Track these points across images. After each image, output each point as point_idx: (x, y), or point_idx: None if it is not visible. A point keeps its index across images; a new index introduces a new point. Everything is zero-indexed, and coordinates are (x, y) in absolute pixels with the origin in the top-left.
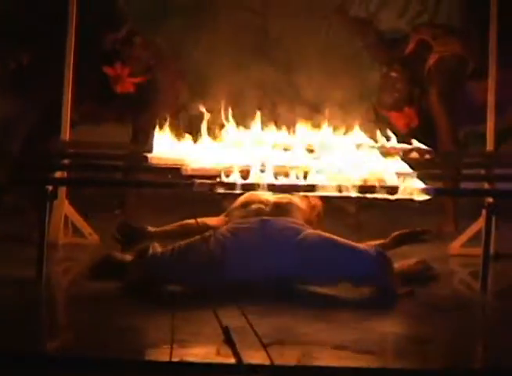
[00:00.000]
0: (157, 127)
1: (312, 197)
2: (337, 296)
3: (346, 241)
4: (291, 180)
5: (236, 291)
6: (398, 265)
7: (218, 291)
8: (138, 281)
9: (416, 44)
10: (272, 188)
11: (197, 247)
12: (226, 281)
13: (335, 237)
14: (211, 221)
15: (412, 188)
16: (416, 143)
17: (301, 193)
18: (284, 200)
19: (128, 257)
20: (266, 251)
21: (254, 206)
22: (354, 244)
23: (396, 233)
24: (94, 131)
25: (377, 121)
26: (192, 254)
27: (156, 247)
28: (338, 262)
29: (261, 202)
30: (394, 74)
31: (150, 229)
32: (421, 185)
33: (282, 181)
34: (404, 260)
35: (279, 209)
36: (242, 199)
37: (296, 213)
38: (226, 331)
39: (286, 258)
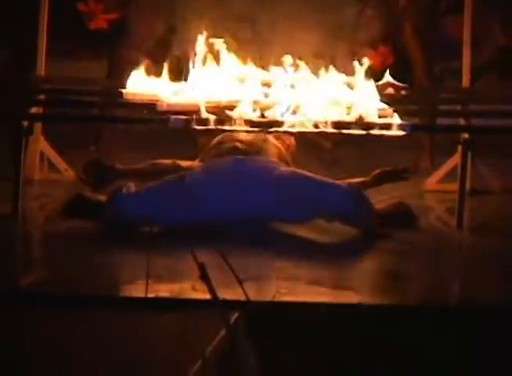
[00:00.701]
0: (133, 63)
1: (286, 136)
2: (314, 238)
3: (320, 177)
4: (270, 116)
5: (211, 229)
6: (377, 206)
7: (192, 230)
8: (113, 220)
9: None
10: (250, 124)
11: (172, 185)
12: (200, 220)
13: (309, 174)
14: (185, 163)
15: (388, 123)
16: (389, 79)
17: (279, 130)
18: (259, 139)
19: (101, 196)
20: (240, 190)
21: (228, 145)
22: (327, 179)
23: (377, 171)
24: (69, 66)
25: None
26: (167, 193)
27: (131, 187)
28: (312, 198)
29: (236, 141)
30: (369, 12)
31: (120, 167)
32: (397, 120)
33: (259, 117)
34: (383, 201)
35: (255, 147)
36: (217, 139)
37: (271, 151)
38: (202, 268)
39: (260, 196)
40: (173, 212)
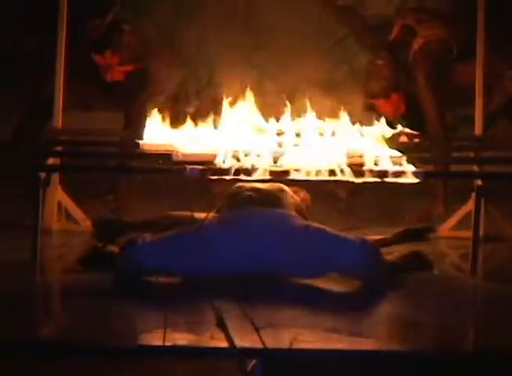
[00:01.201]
0: (149, 114)
1: (301, 190)
2: (329, 287)
3: (334, 232)
4: (285, 164)
5: (226, 280)
6: (391, 256)
7: (207, 279)
8: (127, 270)
9: (401, 29)
10: (267, 174)
11: (187, 236)
12: (214, 271)
13: (323, 228)
14: (199, 215)
15: (402, 171)
16: (400, 128)
17: (292, 178)
18: (275, 188)
19: (116, 248)
20: (254, 243)
21: (244, 194)
22: (341, 234)
23: (400, 229)
24: (86, 117)
25: (365, 108)
26: (182, 243)
27: (146, 237)
28: (324, 253)
29: (251, 190)
30: (380, 62)
31: (130, 220)
32: (411, 168)
33: (274, 167)
34: (397, 251)
35: (270, 197)
36: (233, 188)
37: (287, 201)
38: (219, 316)
39: (274, 250)
40: (187, 263)
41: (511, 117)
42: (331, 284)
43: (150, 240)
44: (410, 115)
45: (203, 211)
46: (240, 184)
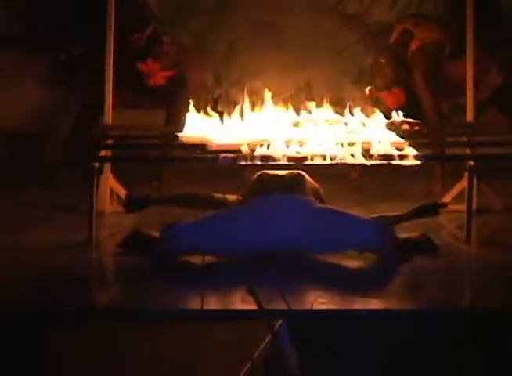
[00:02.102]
0: (187, 111)
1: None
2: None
3: (349, 213)
4: (304, 151)
5: (255, 258)
6: (402, 236)
7: (238, 258)
8: (165, 250)
9: (400, 32)
10: (289, 159)
11: (217, 219)
12: (243, 251)
13: (339, 210)
14: (220, 196)
15: (405, 155)
16: (402, 117)
17: (313, 163)
18: (295, 174)
19: (156, 233)
20: (278, 225)
21: (267, 181)
22: (356, 215)
23: (417, 205)
24: (132, 115)
25: (371, 101)
26: (214, 226)
27: (182, 221)
28: (342, 232)
29: (273, 177)
30: (382, 60)
31: (155, 195)
32: (413, 152)
33: (296, 153)
34: (408, 232)
35: (290, 183)
36: (255, 176)
37: (305, 186)
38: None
39: (296, 231)
40: (220, 244)
41: (498, 105)
42: (348, 260)
43: (186, 223)
44: (409, 106)
45: (232, 193)
46: (262, 171)
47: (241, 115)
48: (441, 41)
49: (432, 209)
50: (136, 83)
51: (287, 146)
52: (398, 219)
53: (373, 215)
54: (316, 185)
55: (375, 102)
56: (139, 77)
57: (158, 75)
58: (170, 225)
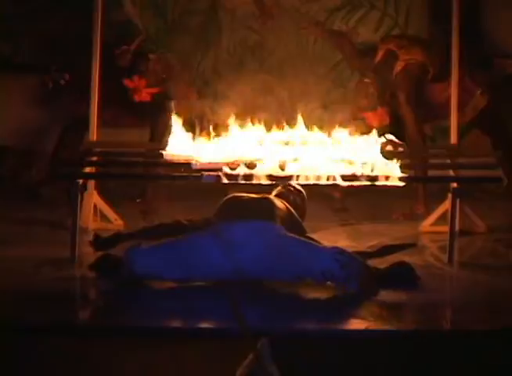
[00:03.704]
0: (171, 129)
1: (299, 193)
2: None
3: (311, 242)
4: (287, 171)
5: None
6: (380, 267)
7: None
8: (125, 275)
9: (385, 53)
10: (271, 178)
11: (177, 244)
12: (203, 276)
13: (301, 238)
14: (186, 222)
15: (390, 176)
16: (390, 137)
17: (295, 182)
18: (263, 198)
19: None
20: (239, 252)
21: (234, 203)
22: (317, 244)
23: (383, 244)
24: (117, 133)
25: (355, 120)
26: (172, 251)
27: (140, 245)
28: (304, 261)
29: (241, 200)
30: (367, 80)
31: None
32: (397, 173)
33: (279, 172)
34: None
35: (259, 206)
36: (224, 199)
37: (274, 211)
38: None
39: (256, 259)
40: (178, 269)
41: (482, 127)
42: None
43: (144, 248)
44: (393, 126)
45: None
46: (232, 194)
47: (225, 134)
48: (425, 63)
49: (400, 248)
50: (121, 99)
51: (271, 165)
52: (366, 256)
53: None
54: (290, 209)
55: (359, 121)
56: (124, 93)
57: (144, 91)
58: (130, 248)
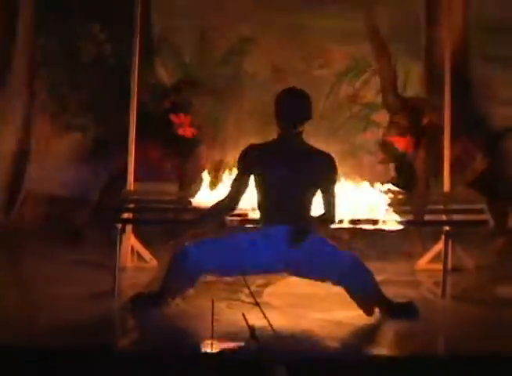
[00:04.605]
0: (199, 179)
1: None
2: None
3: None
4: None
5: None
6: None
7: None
8: (182, 267)
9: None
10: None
11: (227, 241)
12: (246, 271)
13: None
14: None
15: (390, 220)
16: (391, 187)
17: None
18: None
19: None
20: (282, 250)
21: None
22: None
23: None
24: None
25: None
26: (222, 247)
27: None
28: (327, 260)
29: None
30: (398, 117)
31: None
32: (396, 218)
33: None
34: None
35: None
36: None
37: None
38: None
39: (292, 257)
40: (226, 263)
41: (477, 189)
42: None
43: (196, 243)
44: (402, 175)
45: None
46: None
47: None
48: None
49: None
50: (163, 136)
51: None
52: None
53: None
54: None
55: (384, 147)
56: (167, 130)
57: (187, 128)
58: (183, 248)
